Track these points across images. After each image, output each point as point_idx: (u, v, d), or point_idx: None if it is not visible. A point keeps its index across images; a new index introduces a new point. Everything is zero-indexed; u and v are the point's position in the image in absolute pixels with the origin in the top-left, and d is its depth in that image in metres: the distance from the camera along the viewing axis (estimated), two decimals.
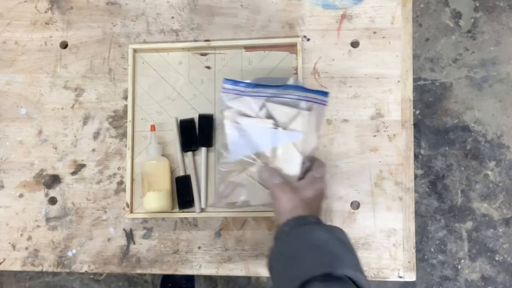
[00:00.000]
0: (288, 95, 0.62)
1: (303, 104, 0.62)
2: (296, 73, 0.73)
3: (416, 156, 1.43)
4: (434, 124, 1.45)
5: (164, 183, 0.71)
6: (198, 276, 1.39)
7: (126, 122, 0.75)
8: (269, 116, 0.63)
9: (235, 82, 0.64)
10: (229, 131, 0.63)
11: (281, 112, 0.62)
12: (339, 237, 0.54)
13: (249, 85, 0.64)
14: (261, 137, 0.62)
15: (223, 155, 0.64)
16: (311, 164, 0.62)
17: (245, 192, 0.63)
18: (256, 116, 0.63)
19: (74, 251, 0.75)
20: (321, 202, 0.62)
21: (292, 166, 0.61)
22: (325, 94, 0.64)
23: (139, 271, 0.74)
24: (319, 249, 0.51)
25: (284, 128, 0.62)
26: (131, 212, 0.73)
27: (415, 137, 1.43)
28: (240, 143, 0.63)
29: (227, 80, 0.64)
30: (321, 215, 0.61)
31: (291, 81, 0.65)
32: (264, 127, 0.62)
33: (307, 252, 0.52)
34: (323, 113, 0.65)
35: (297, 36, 0.75)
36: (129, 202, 0.72)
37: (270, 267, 0.56)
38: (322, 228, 0.55)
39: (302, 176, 0.61)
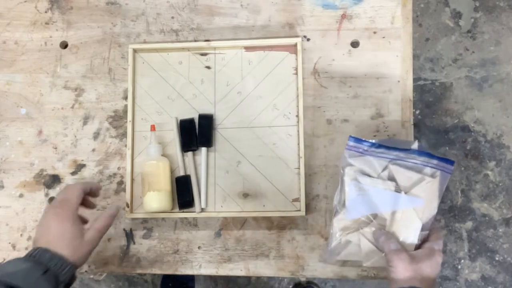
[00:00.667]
0: (413, 160, 0.61)
1: (427, 170, 0.61)
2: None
3: None
4: (434, 124, 1.45)
5: (164, 183, 0.71)
6: (198, 276, 1.39)
7: (126, 122, 0.75)
8: (391, 179, 0.61)
9: (359, 141, 0.63)
10: (348, 189, 0.62)
11: (404, 176, 0.60)
12: None
13: (373, 144, 0.63)
14: (381, 199, 0.60)
15: (339, 211, 0.63)
16: (430, 234, 0.61)
17: (358, 252, 0.62)
18: (377, 177, 0.62)
19: None
20: (436, 276, 0.58)
21: (410, 233, 0.59)
22: (451, 162, 0.62)
23: (139, 271, 0.74)
24: None
25: (406, 193, 0.60)
26: (131, 212, 0.73)
27: (415, 137, 1.43)
28: (358, 202, 0.62)
29: (352, 137, 0.63)
30: None
31: (415, 146, 0.63)
32: (385, 189, 0.60)
33: None
34: (446, 181, 0.62)
35: (297, 36, 0.75)
36: (129, 202, 0.72)
37: None
38: None
39: (418, 245, 0.60)
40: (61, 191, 0.66)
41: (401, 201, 0.60)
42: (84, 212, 0.66)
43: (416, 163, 0.61)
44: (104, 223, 0.62)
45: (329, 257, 0.66)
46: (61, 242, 0.57)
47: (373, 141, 0.63)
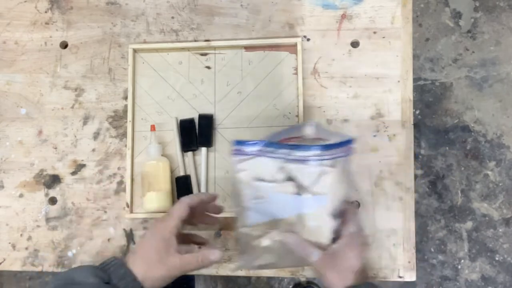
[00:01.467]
0: (307, 155, 0.54)
1: (325, 161, 0.54)
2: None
3: (416, 156, 1.43)
4: (434, 124, 1.45)
5: (164, 183, 0.71)
6: (198, 276, 1.39)
7: (126, 122, 0.75)
8: (290, 178, 0.55)
9: (243, 143, 0.56)
10: (244, 197, 0.57)
11: (303, 172, 0.55)
12: None
13: (259, 143, 0.56)
14: (282, 204, 0.55)
15: (239, 219, 0.58)
16: (344, 218, 0.56)
17: (273, 257, 0.58)
18: (273, 180, 0.56)
19: (74, 251, 0.75)
20: (367, 260, 0.55)
21: (322, 234, 0.55)
22: (349, 142, 0.56)
23: None
24: None
25: (308, 192, 0.55)
26: (131, 212, 0.73)
27: (415, 137, 1.43)
28: (257, 210, 0.57)
29: (235, 141, 0.57)
30: (369, 273, 0.55)
31: (309, 131, 0.59)
32: (285, 193, 0.55)
33: None
34: (350, 161, 0.58)
35: (297, 36, 0.75)
36: (129, 202, 0.72)
37: None
38: None
39: (337, 235, 0.56)
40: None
41: (304, 203, 0.55)
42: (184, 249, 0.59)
43: (314, 159, 0.54)
44: (193, 262, 0.56)
45: (248, 265, 0.61)
46: (140, 255, 0.55)
47: (258, 140, 0.56)
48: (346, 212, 0.56)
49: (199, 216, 0.62)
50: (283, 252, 0.57)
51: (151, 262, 0.54)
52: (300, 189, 0.55)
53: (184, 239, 0.61)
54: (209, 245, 0.62)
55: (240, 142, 0.57)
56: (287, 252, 0.56)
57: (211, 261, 0.57)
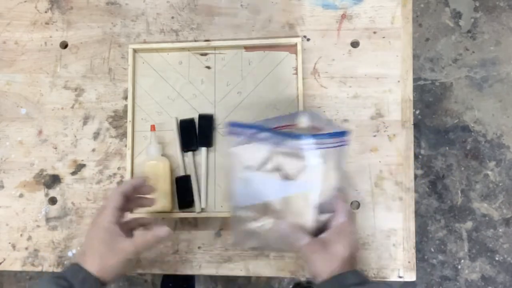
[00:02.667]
0: (300, 145, 0.56)
1: (317, 152, 0.56)
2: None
3: (416, 156, 1.43)
4: (434, 124, 1.45)
5: (164, 183, 0.71)
6: (198, 276, 1.39)
7: (126, 122, 0.75)
8: (278, 169, 0.57)
9: (239, 125, 0.58)
10: (232, 179, 0.59)
11: (291, 165, 0.56)
12: None
13: (254, 127, 0.58)
14: (268, 187, 0.57)
15: (231, 199, 0.60)
16: (334, 210, 0.58)
17: (262, 240, 0.60)
18: (261, 169, 0.58)
19: (74, 251, 0.75)
20: (356, 249, 0.56)
21: (305, 218, 0.57)
22: (342, 133, 0.57)
23: (139, 271, 0.74)
24: None
25: (294, 179, 0.56)
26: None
27: (415, 137, 1.43)
28: (245, 193, 0.58)
29: (232, 123, 0.59)
30: (357, 264, 0.56)
31: (303, 121, 0.59)
32: (271, 178, 0.57)
33: None
34: (343, 153, 0.59)
35: (297, 36, 0.75)
36: None
37: None
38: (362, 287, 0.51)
39: (326, 226, 0.57)
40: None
41: (290, 187, 0.56)
42: (143, 219, 0.63)
43: (306, 149, 0.56)
44: (144, 241, 0.57)
45: (240, 244, 0.65)
46: (90, 250, 0.56)
47: (253, 124, 0.59)
48: (336, 203, 0.58)
49: (134, 201, 0.63)
50: (272, 236, 0.58)
51: (102, 255, 0.55)
52: (287, 176, 0.57)
53: (130, 225, 0.62)
54: (157, 223, 0.63)
55: (235, 124, 0.58)
56: (276, 237, 0.58)
57: (161, 237, 0.58)
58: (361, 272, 0.55)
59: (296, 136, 0.56)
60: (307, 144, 0.55)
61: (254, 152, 0.58)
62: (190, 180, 0.72)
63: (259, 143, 0.58)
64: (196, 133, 0.73)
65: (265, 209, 0.58)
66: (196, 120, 0.74)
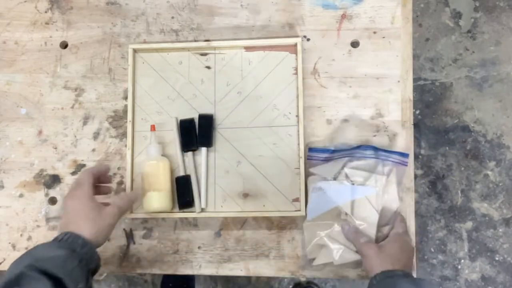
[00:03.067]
0: (367, 156, 0.68)
1: (380, 167, 0.67)
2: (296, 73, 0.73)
3: (416, 156, 1.43)
4: (434, 124, 1.45)
5: (164, 183, 0.71)
6: (198, 276, 1.39)
7: (126, 122, 0.75)
8: (347, 177, 0.68)
9: (317, 150, 0.71)
10: (310, 195, 0.68)
11: (359, 176, 0.67)
12: None
13: (329, 151, 0.70)
14: (338, 193, 0.67)
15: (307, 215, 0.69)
16: (393, 224, 0.67)
17: (330, 253, 0.66)
18: (334, 179, 0.68)
19: None
20: (409, 256, 0.64)
21: (369, 224, 0.65)
22: (405, 155, 0.69)
23: (139, 271, 0.74)
24: None
25: (360, 184, 0.67)
26: (131, 212, 0.73)
27: (415, 137, 1.43)
28: (318, 202, 0.67)
29: (310, 148, 0.71)
30: (411, 269, 0.64)
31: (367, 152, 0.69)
32: (341, 184, 0.67)
33: None
34: (403, 174, 0.69)
35: (297, 36, 0.75)
36: None
37: None
38: (409, 280, 0.57)
39: (386, 236, 0.66)
40: (74, 180, 0.68)
41: (355, 191, 0.66)
42: (100, 199, 0.66)
43: (370, 157, 0.68)
44: (123, 203, 0.64)
45: (307, 264, 0.70)
46: (80, 218, 0.59)
47: (330, 148, 0.71)
48: (395, 218, 0.68)
49: (95, 188, 0.66)
50: (338, 248, 0.66)
51: (95, 220, 0.59)
52: (355, 184, 0.67)
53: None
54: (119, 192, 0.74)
55: (314, 149, 0.71)
56: (341, 248, 0.66)
57: (135, 198, 0.68)
58: (411, 273, 0.61)
59: (365, 147, 0.69)
60: (373, 154, 0.68)
61: (331, 167, 0.69)
62: (190, 180, 0.72)
63: (335, 161, 0.69)
64: (196, 133, 0.73)
65: (336, 214, 0.67)
66: (196, 120, 0.74)
